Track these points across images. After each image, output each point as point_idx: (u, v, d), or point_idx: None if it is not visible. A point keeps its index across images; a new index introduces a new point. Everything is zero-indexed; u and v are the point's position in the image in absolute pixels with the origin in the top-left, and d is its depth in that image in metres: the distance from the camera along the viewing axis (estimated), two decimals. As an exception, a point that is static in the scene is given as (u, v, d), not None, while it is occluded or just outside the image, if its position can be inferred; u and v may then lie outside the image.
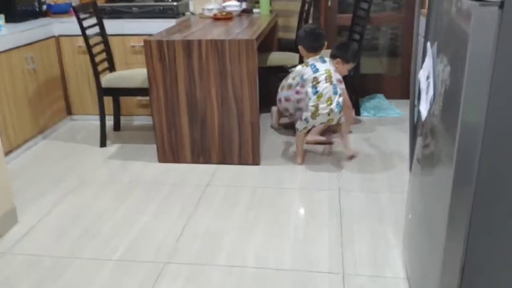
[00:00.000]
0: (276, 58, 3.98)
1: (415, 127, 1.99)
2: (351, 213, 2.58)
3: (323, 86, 3.05)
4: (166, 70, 3.04)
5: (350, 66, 3.51)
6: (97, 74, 3.42)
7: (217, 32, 3.20)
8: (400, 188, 2.81)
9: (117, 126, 3.89)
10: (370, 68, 4.56)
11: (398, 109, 4.18)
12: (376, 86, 4.52)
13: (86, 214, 2.64)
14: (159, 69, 3.04)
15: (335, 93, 3.06)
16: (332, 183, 2.92)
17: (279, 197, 2.76)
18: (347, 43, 3.67)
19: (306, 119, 3.11)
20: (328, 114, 3.06)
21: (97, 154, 3.44)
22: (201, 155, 3.22)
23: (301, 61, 3.94)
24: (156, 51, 3.01)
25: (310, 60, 3.13)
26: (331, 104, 3.04)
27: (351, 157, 3.27)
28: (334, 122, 3.16)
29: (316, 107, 3.05)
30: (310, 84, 3.07)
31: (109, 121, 3.91)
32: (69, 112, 4.14)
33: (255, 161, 3.18)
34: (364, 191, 2.80)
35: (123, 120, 3.99)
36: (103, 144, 3.55)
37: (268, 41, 4.23)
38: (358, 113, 4.07)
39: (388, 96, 4.48)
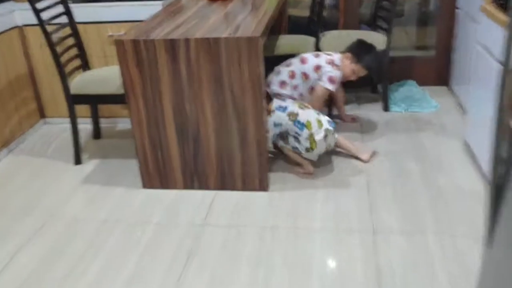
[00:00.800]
0: (286, 44, 3.27)
1: (501, 185, 1.33)
2: (393, 273, 1.95)
3: (304, 114, 2.64)
4: (146, 77, 2.37)
5: (359, 70, 2.88)
6: (64, 77, 2.75)
7: (212, 23, 2.50)
8: (450, 226, 2.17)
9: (97, 134, 3.25)
10: (398, 47, 3.83)
11: (433, 100, 3.48)
12: (406, 70, 3.80)
13: (44, 275, 2.05)
14: (137, 76, 2.37)
15: (317, 113, 2.71)
16: (362, 218, 2.28)
17: (295, 246, 2.13)
18: (373, 46, 2.95)
19: (308, 152, 2.68)
20: (326, 136, 2.64)
21: (70, 176, 2.81)
22: (195, 180, 2.59)
23: (316, 46, 3.24)
24: (132, 54, 2.33)
25: (273, 106, 2.71)
26: (322, 126, 2.63)
27: (371, 156, 2.83)
28: (332, 145, 2.77)
29: (312, 136, 2.60)
30: (291, 124, 2.64)
31: (88, 125, 3.28)
32: (42, 115, 3.50)
33: (263, 187, 2.54)
34: (405, 234, 2.16)
35: (104, 123, 3.35)
36: (77, 161, 2.92)
37: (276, 21, 3.51)
38: (386, 107, 3.39)
39: (420, 82, 3.76)
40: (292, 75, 2.88)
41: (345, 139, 2.83)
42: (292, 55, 3.21)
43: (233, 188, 2.57)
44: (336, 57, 2.89)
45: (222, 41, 2.25)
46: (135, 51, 2.31)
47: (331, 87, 2.85)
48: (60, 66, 2.72)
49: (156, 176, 2.61)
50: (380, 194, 2.46)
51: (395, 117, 3.32)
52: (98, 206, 2.51)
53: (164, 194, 2.59)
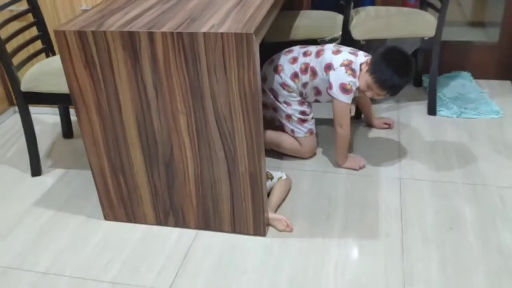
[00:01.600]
0: (307, 26, 2.52)
1: None
2: None
3: None
4: (99, 83, 1.72)
5: (372, 85, 2.09)
6: (8, 68, 2.12)
7: (190, 9, 1.79)
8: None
9: (68, 131, 2.64)
10: (450, 25, 3.02)
11: (494, 102, 2.71)
12: (458, 57, 3.00)
13: None
14: (87, 80, 1.72)
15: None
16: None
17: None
18: (404, 59, 2.08)
19: None
20: None
21: (22, 194, 2.23)
22: (170, 214, 1.97)
23: (345, 28, 2.49)
24: (78, 50, 1.67)
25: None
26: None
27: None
28: None
29: None
30: None
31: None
32: (11, 101, 2.92)
33: (258, 231, 1.89)
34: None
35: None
36: (35, 172, 2.33)
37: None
38: (433, 109, 2.64)
39: (477, 74, 2.98)
40: (305, 69, 2.19)
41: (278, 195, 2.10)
42: (313, 41, 2.49)
43: (219, 229, 1.94)
44: (360, 59, 2.14)
45: (200, 38, 1.57)
46: (83, 47, 1.65)
47: (346, 98, 2.13)
48: (2, 52, 2.09)
49: (120, 207, 2.00)
50: (419, 260, 1.79)
51: (443, 124, 2.58)
52: (42, 247, 1.92)
53: (130, 230, 1.98)
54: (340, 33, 2.46)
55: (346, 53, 2.15)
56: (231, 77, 1.61)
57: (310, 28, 2.50)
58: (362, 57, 2.14)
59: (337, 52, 2.15)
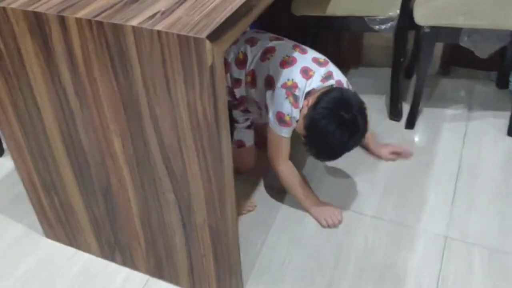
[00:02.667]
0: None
1: None
2: None
3: None
4: (10, 75, 1.21)
5: (304, 132, 1.51)
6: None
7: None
8: None
9: None
10: None
11: None
12: None
13: None
14: (-7, 70, 1.22)
15: None
16: None
17: None
18: (355, 118, 1.45)
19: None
20: None
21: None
22: (116, 250, 1.49)
23: (405, 5, 1.79)
24: (-24, 28, 1.16)
25: None
26: None
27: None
28: None
29: None
30: None
31: None
32: None
33: (223, 295, 1.38)
34: None
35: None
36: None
37: None
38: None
39: None
40: (241, 62, 1.61)
41: None
42: (359, 19, 1.82)
43: (175, 281, 1.44)
44: (313, 83, 1.51)
45: (128, 34, 0.99)
46: (-20, 26, 1.14)
47: (283, 132, 1.55)
48: None
49: (60, 228, 1.55)
50: None
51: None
52: (-38, 262, 1.53)
53: (71, 258, 1.52)
54: (398, 11, 1.76)
55: (298, 66, 1.50)
56: (176, 98, 1.03)
57: (357, 1, 1.81)
58: (317, 81, 1.50)
59: (287, 62, 1.51)
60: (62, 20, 1.03)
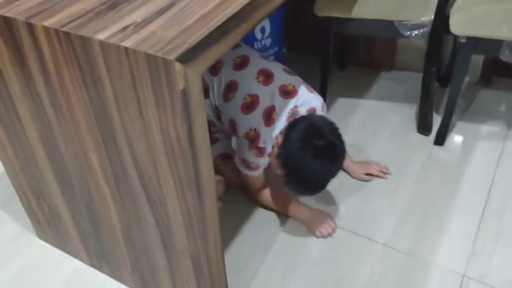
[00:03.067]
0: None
1: None
2: None
3: None
4: (-11, 79, 1.14)
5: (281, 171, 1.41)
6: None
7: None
8: None
9: None
10: None
11: None
12: None
13: None
14: (-27, 72, 1.15)
15: None
16: None
17: None
18: (325, 138, 1.34)
19: None
20: None
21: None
22: (103, 261, 1.42)
23: (441, 9, 1.61)
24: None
25: None
26: None
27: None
28: None
29: None
30: None
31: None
32: None
33: (208, 325, 1.28)
34: None
35: None
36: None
37: None
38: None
39: None
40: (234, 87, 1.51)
41: None
42: (388, 25, 1.65)
43: (160, 301, 1.36)
44: (279, 125, 1.42)
45: (95, 48, 0.88)
46: (-43, 24, 1.06)
47: (252, 173, 1.51)
48: None
49: (50, 233, 1.49)
50: None
51: None
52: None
53: (60, 263, 1.47)
54: (432, 17, 1.57)
55: (261, 110, 1.41)
56: (149, 120, 0.92)
57: (387, 3, 1.63)
58: (282, 123, 1.41)
59: (249, 106, 1.43)
60: (30, 27, 0.94)
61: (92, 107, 0.99)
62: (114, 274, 1.42)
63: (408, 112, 1.92)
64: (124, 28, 0.89)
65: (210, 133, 1.56)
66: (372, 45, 2.09)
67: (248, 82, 1.46)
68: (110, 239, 1.30)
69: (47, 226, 1.47)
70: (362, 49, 2.12)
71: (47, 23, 0.92)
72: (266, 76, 1.47)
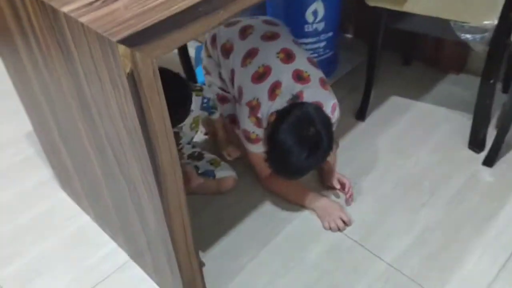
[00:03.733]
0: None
1: None
2: None
3: None
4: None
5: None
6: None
7: None
8: None
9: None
10: None
11: None
12: None
13: None
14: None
15: None
16: None
17: None
18: (313, 124, 1.31)
19: None
20: None
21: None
22: (104, 223, 1.47)
23: (506, 12, 1.39)
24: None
25: None
26: None
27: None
28: None
29: None
30: None
31: None
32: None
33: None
34: None
35: None
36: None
37: None
38: None
39: None
40: (226, 52, 1.53)
41: None
42: (442, 24, 1.47)
43: (146, 271, 1.38)
44: (277, 103, 1.39)
45: (62, 20, 0.88)
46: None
47: (252, 148, 1.47)
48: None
49: (68, 187, 1.57)
50: None
51: None
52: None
53: (74, 215, 1.55)
54: (496, 21, 1.36)
55: (268, 83, 1.39)
56: (108, 97, 0.91)
57: (444, 0, 1.44)
58: (281, 102, 1.37)
59: (259, 76, 1.41)
60: (16, -8, 0.96)
61: (72, 78, 1.00)
62: (114, 236, 1.46)
63: (465, 123, 1.71)
64: (92, 3, 0.87)
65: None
66: (442, 43, 1.88)
67: (268, 54, 1.44)
68: (104, 204, 1.33)
69: (65, 180, 1.55)
70: (431, 45, 1.92)
71: (27, -13, 0.93)
72: (288, 56, 1.43)
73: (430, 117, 1.78)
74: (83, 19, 0.83)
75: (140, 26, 0.80)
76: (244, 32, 1.49)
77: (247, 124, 1.41)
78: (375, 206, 1.51)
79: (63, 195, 1.62)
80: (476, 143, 1.61)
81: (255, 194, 1.57)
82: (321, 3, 1.69)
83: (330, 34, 1.80)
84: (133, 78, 0.82)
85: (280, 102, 1.37)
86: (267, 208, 1.53)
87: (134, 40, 0.79)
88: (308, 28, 1.75)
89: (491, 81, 1.47)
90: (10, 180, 1.69)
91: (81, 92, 1.00)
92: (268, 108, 1.38)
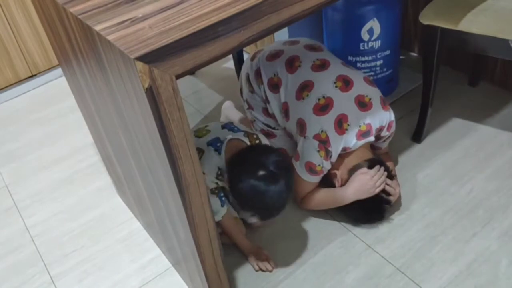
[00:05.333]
0: (502, 11, 1.37)
1: None
2: None
3: None
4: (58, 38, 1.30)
5: None
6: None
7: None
8: None
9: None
10: None
11: None
12: None
13: None
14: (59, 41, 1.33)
15: None
16: None
17: None
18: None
19: None
20: None
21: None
22: (150, 230, 1.53)
23: None
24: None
25: None
26: None
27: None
28: None
29: None
30: None
31: None
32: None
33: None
34: None
35: None
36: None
37: None
38: None
39: None
40: (274, 85, 1.54)
41: None
42: (498, 43, 1.39)
43: (184, 279, 1.42)
44: (350, 139, 1.40)
45: (95, 37, 0.95)
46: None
47: (311, 179, 1.45)
48: None
49: (122, 193, 1.66)
50: None
51: None
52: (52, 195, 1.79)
53: (127, 220, 1.64)
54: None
55: (333, 115, 1.39)
56: (137, 113, 0.96)
57: (503, 18, 1.35)
58: (352, 138, 1.40)
59: (322, 107, 1.39)
60: (65, 11, 1.05)
61: (111, 94, 1.07)
62: (158, 243, 1.52)
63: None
64: (122, 22, 0.93)
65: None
66: (495, 60, 1.76)
67: (325, 85, 1.43)
68: (148, 213, 1.40)
69: (120, 188, 1.65)
70: (501, 65, 1.81)
71: (74, 9, 1.01)
72: (345, 83, 1.42)
73: (492, 142, 1.67)
74: (111, 37, 0.89)
75: (157, 45, 0.84)
76: (292, 65, 1.48)
77: (315, 157, 1.39)
78: (423, 233, 1.44)
79: (119, 201, 1.72)
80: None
81: (294, 213, 1.56)
82: (377, 22, 1.66)
83: (388, 52, 1.75)
84: (152, 93, 0.87)
85: (350, 137, 1.37)
86: (307, 227, 1.52)
87: (151, 58, 0.84)
88: (363, 47, 1.72)
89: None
90: (76, 184, 1.83)
91: (118, 107, 1.07)
92: (338, 142, 1.37)
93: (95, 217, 1.68)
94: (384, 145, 1.55)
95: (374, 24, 1.67)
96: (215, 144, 1.37)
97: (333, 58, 1.50)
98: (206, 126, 1.47)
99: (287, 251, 1.46)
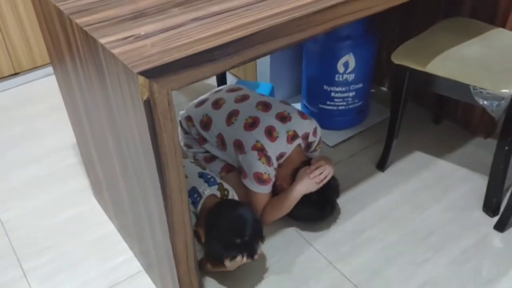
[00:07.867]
0: (472, 58, 1.53)
1: None
2: None
3: None
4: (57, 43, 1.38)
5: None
6: None
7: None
8: None
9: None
10: None
11: None
12: None
13: None
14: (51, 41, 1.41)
15: None
16: None
17: None
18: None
19: None
20: None
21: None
22: (124, 233, 1.60)
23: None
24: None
25: None
26: None
27: None
28: None
29: None
30: None
31: None
32: None
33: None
34: None
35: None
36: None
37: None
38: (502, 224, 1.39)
39: None
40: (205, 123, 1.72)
41: None
42: (461, 88, 1.53)
43: (155, 283, 1.49)
44: (281, 143, 1.61)
45: (99, 49, 1.04)
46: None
47: (262, 189, 1.59)
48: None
49: (99, 195, 1.72)
50: None
51: None
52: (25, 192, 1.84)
53: (101, 222, 1.70)
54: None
55: (262, 127, 1.59)
56: (130, 120, 1.05)
57: (468, 65, 1.50)
58: (283, 142, 1.61)
59: (250, 124, 1.61)
60: (70, 22, 1.13)
61: (106, 99, 1.15)
62: (131, 246, 1.59)
63: (483, 186, 1.73)
64: (126, 38, 1.03)
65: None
66: (473, 106, 1.92)
67: (249, 109, 1.65)
68: (125, 216, 1.47)
69: (97, 190, 1.71)
70: (462, 107, 1.97)
71: (80, 20, 1.10)
72: (265, 106, 1.67)
73: (450, 176, 1.81)
74: (115, 51, 0.98)
75: (159, 62, 0.94)
76: (217, 104, 1.69)
77: (259, 166, 1.54)
78: (380, 254, 1.55)
79: (95, 203, 1.78)
80: (490, 207, 1.63)
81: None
82: (352, 57, 1.80)
83: (360, 85, 1.89)
84: (149, 105, 0.96)
85: (281, 142, 1.57)
86: (271, 243, 1.60)
87: (152, 73, 0.93)
88: (338, 78, 1.85)
89: (506, 148, 1.50)
90: (53, 182, 1.88)
91: (111, 111, 1.15)
92: (273, 148, 1.56)
93: (70, 216, 1.73)
94: (315, 155, 1.75)
95: (349, 59, 1.81)
96: (193, 195, 1.50)
97: (252, 92, 1.75)
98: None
99: (250, 266, 1.54)
